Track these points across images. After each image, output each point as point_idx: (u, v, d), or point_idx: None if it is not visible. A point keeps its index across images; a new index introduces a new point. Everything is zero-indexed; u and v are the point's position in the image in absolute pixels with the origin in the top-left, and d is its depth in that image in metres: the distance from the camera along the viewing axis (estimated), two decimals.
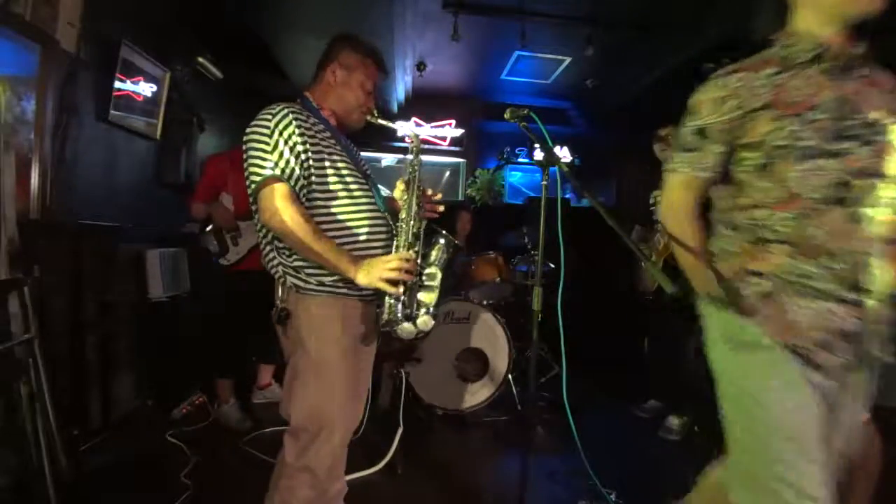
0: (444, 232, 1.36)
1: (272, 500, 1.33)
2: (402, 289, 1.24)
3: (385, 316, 1.27)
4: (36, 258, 1.90)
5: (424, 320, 1.27)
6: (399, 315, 1.26)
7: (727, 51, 3.56)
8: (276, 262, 1.34)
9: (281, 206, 1.22)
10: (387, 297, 1.26)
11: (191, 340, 2.89)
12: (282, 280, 1.34)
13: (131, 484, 1.99)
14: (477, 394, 2.86)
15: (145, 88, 2.80)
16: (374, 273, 1.21)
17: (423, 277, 1.31)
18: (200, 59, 3.36)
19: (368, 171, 1.49)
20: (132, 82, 2.68)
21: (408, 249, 1.30)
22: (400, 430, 2.24)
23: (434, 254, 1.35)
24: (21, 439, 1.69)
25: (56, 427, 1.72)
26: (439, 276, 1.34)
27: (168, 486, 1.92)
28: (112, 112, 2.52)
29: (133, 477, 2.04)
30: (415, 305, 1.28)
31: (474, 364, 2.88)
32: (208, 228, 2.51)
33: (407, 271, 1.23)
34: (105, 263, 2.39)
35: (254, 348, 2.69)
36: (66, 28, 2.16)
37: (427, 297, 1.31)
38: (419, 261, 1.31)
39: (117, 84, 2.53)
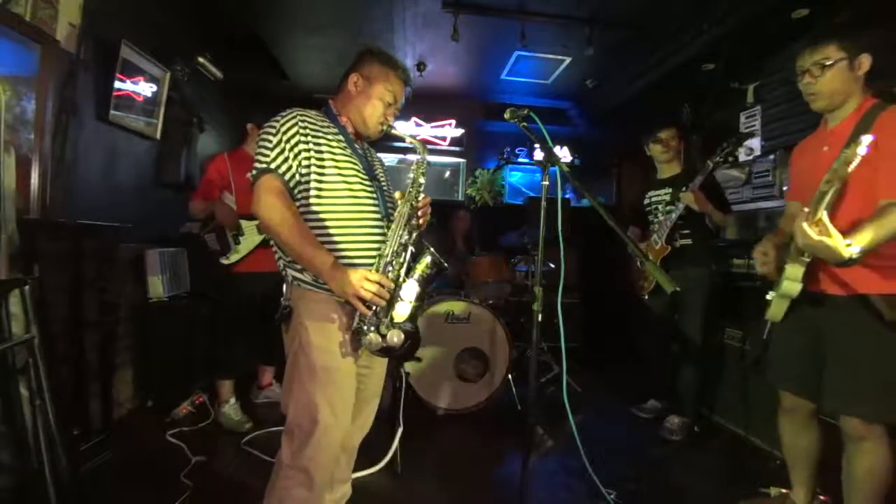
0: (432, 249, 1.35)
1: (269, 499, 1.33)
2: (370, 311, 1.26)
3: (355, 324, 1.28)
4: (36, 258, 1.90)
5: (393, 334, 1.27)
6: (368, 326, 1.27)
7: (726, 51, 3.55)
8: (277, 255, 1.38)
9: (265, 199, 1.27)
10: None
11: (191, 340, 2.89)
12: (285, 275, 1.37)
13: (131, 484, 1.99)
14: (477, 394, 2.86)
15: (145, 88, 2.80)
16: (349, 288, 1.22)
17: (402, 291, 1.30)
18: (200, 59, 3.36)
19: (383, 180, 1.50)
20: (132, 82, 2.68)
21: (392, 260, 1.30)
22: (400, 430, 2.24)
23: (418, 269, 1.34)
24: (21, 439, 1.69)
25: (56, 427, 1.72)
26: (418, 291, 1.33)
27: (168, 486, 1.92)
28: (112, 112, 2.52)
29: (133, 477, 2.04)
30: (388, 319, 1.28)
31: (474, 364, 2.88)
32: (209, 227, 2.51)
33: (381, 296, 1.24)
34: (105, 263, 2.39)
35: (254, 349, 2.69)
36: (66, 28, 2.16)
37: (401, 313, 1.30)
38: (402, 272, 1.31)
39: (117, 84, 2.53)
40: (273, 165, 1.28)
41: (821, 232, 1.24)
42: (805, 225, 1.25)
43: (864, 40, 1.50)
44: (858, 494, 1.51)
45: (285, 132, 1.30)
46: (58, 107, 2.16)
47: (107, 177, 2.58)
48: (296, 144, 1.30)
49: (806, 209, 1.28)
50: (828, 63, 1.49)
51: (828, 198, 1.25)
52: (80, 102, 2.29)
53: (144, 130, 2.85)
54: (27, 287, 1.71)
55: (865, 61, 1.50)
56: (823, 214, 1.24)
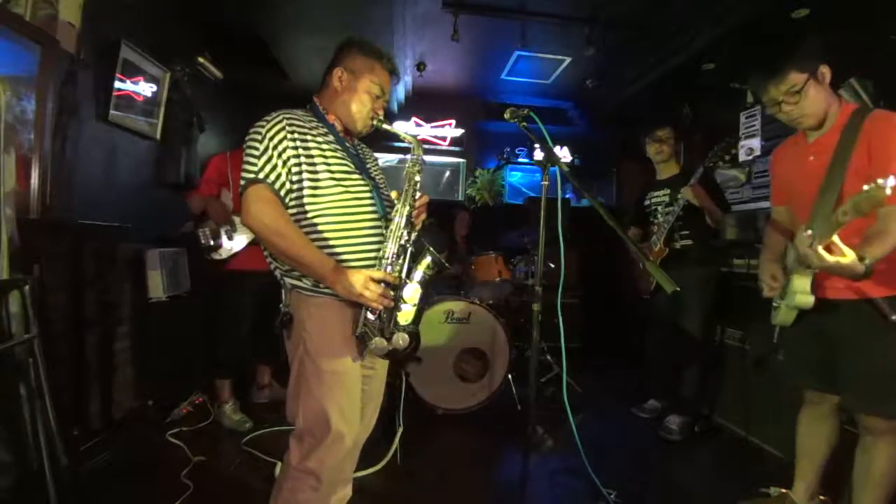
0: (431, 249, 1.33)
1: (276, 500, 1.33)
2: (377, 311, 1.25)
3: (360, 328, 1.27)
4: (36, 258, 1.90)
5: (399, 337, 1.26)
6: (373, 331, 1.26)
7: (726, 51, 3.55)
8: (273, 266, 1.36)
9: (256, 209, 1.24)
10: (363, 310, 1.27)
11: (191, 340, 2.89)
12: (283, 283, 1.35)
13: (131, 484, 1.99)
14: (477, 394, 2.86)
15: (145, 88, 2.80)
16: (355, 290, 1.21)
17: (404, 294, 1.29)
18: (200, 59, 3.36)
19: (377, 177, 1.48)
20: (132, 82, 2.68)
21: (393, 262, 1.28)
22: (400, 430, 2.24)
23: (419, 270, 1.33)
24: (21, 439, 1.69)
25: (56, 427, 1.72)
26: (420, 293, 1.32)
27: (168, 486, 1.92)
28: (112, 112, 2.52)
29: (133, 477, 2.04)
30: (391, 322, 1.27)
31: (474, 364, 2.88)
32: (204, 223, 2.52)
33: (387, 295, 1.24)
34: (105, 263, 2.39)
35: (253, 348, 2.69)
36: (66, 28, 2.16)
37: (404, 315, 1.29)
38: (403, 275, 1.29)
39: (117, 84, 2.53)
40: (262, 175, 1.24)
41: (835, 254, 1.27)
42: (821, 249, 1.27)
43: (815, 51, 1.53)
44: (874, 487, 1.52)
45: (272, 137, 1.26)
46: (58, 107, 2.15)
47: (107, 177, 2.58)
48: (284, 150, 1.26)
49: (810, 231, 1.30)
50: (798, 89, 1.50)
51: (842, 227, 1.26)
52: (80, 102, 2.28)
53: (144, 130, 2.85)
54: (27, 287, 1.71)
55: (826, 71, 1.52)
56: (835, 237, 1.27)
